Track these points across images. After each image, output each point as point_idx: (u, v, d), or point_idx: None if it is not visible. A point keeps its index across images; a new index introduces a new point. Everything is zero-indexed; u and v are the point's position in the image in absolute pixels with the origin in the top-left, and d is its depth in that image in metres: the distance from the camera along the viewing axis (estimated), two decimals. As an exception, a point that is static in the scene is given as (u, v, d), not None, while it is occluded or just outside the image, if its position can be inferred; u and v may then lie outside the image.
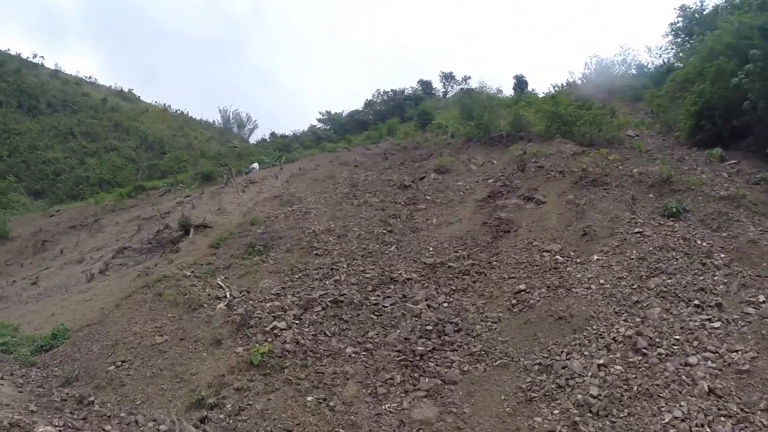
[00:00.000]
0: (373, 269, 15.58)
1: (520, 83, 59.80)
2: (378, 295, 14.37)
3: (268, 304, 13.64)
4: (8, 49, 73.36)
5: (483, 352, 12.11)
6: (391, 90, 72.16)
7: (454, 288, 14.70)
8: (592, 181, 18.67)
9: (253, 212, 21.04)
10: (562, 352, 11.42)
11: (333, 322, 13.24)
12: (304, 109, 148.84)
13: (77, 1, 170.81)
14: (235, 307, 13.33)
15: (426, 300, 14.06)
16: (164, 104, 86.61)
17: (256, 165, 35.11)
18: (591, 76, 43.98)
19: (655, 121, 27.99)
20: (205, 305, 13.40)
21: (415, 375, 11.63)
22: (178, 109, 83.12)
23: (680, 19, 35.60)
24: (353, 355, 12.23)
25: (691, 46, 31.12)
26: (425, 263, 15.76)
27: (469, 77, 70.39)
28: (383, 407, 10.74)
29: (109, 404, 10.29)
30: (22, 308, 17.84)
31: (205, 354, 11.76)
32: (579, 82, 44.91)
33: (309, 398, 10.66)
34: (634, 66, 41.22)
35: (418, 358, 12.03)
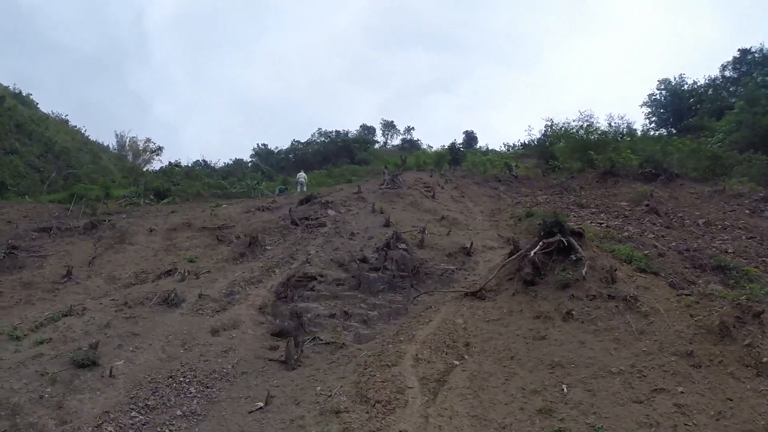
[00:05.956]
0: None
1: (470, 139, 55.36)
2: None
3: None
4: None
5: None
6: (334, 131, 61.83)
7: None
8: None
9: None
10: None
11: None
12: (178, 143, 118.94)
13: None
14: None
15: None
16: (64, 115, 61.46)
17: (303, 177, 23.22)
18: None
19: None
20: None
21: None
22: (75, 125, 59.50)
23: (659, 91, 34.54)
24: None
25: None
26: None
27: (413, 128, 64.07)
28: None
29: None
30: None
31: None
32: (534, 142, 41.35)
33: None
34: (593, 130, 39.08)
35: None
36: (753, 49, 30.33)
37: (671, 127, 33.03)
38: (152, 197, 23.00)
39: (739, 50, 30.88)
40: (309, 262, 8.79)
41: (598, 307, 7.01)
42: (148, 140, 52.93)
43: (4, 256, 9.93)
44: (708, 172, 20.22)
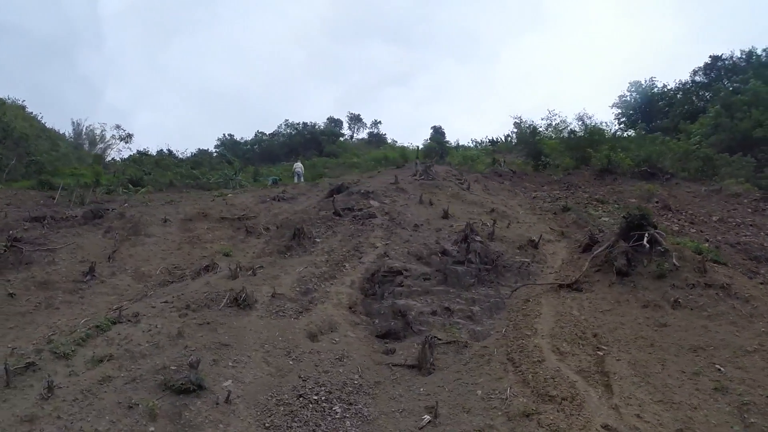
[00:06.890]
0: None
1: (438, 134, 55.47)
2: None
3: None
4: None
5: None
6: (302, 123, 59.71)
7: None
8: None
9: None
10: None
11: None
12: (131, 130, 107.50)
13: None
14: None
15: None
16: (21, 100, 54.57)
17: (300, 167, 22.22)
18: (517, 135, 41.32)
19: None
20: None
21: None
22: (32, 112, 53.03)
23: (630, 93, 35.41)
24: None
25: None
26: None
27: (380, 122, 63.17)
28: None
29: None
30: None
31: None
32: (503, 140, 41.52)
33: None
34: (562, 129, 39.80)
35: None
36: (724, 56, 32.46)
37: (641, 129, 34.67)
38: (129, 186, 21.46)
39: (710, 57, 32.93)
40: (388, 256, 8.10)
41: (701, 294, 7.15)
42: (118, 126, 48.63)
43: (5, 250, 8.30)
44: (699, 173, 21.26)
